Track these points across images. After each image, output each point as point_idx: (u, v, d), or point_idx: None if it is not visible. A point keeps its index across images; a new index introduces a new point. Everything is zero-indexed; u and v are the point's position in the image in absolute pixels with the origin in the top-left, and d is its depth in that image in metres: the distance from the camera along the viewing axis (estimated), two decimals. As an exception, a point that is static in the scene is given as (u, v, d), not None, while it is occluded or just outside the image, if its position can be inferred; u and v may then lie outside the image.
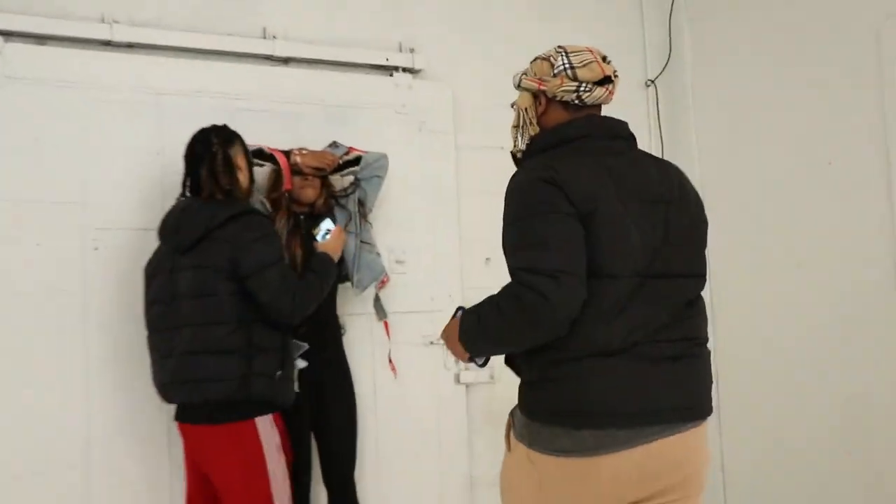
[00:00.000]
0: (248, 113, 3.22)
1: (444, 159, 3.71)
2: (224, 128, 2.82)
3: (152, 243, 2.84)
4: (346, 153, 3.32)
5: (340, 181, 3.40)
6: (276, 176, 3.19)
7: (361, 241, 3.25)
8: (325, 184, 3.26)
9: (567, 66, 1.81)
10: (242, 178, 2.79)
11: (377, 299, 3.46)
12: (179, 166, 2.83)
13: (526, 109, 1.87)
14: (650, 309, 1.69)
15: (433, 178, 3.67)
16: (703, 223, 1.84)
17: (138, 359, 2.86)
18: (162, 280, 2.67)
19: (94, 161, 3.07)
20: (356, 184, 3.33)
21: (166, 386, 2.62)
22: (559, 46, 1.87)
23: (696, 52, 4.05)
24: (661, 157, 2.15)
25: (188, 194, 2.77)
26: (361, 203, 3.31)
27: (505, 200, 1.73)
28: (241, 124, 2.96)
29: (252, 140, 3.01)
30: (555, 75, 1.82)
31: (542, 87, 1.83)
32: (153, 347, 2.67)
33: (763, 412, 3.70)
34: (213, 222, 2.60)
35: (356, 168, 3.33)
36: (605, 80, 1.82)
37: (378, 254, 3.36)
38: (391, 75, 3.65)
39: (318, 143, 3.36)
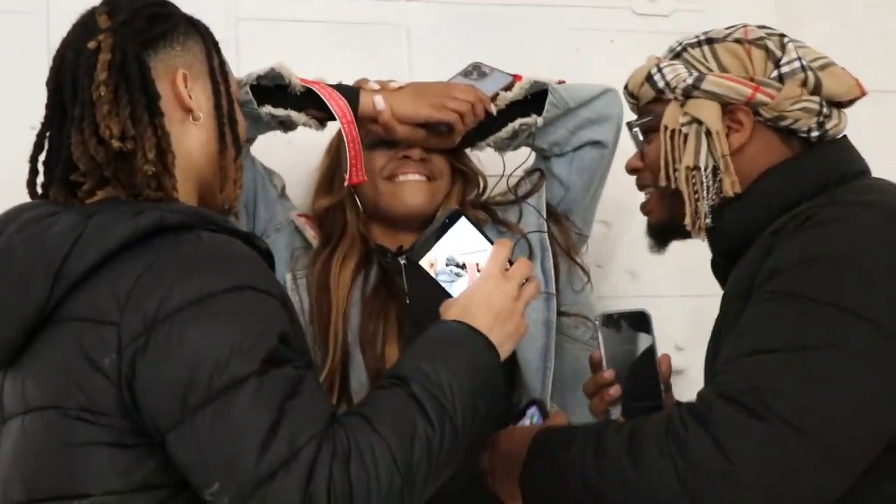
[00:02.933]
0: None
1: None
2: (138, 2, 1.25)
3: None
4: (508, 86, 1.70)
5: (497, 160, 1.79)
6: (336, 154, 1.68)
7: (560, 315, 1.68)
8: (460, 167, 1.73)
9: (805, 65, 1.30)
10: (193, 134, 1.24)
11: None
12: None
13: (712, 136, 1.29)
14: None
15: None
16: None
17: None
18: None
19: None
20: (541, 167, 1.77)
21: None
22: (764, 27, 1.36)
23: None
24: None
25: (39, 192, 1.31)
26: (557, 216, 1.73)
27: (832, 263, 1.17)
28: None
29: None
30: (781, 77, 1.29)
31: (759, 97, 1.29)
32: None
33: None
34: (75, 268, 1.11)
35: (532, 122, 1.68)
36: (854, 101, 1.35)
37: None
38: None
39: (438, 71, 1.79)
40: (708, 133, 1.30)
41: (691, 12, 2.22)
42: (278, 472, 0.98)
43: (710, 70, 1.32)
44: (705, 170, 1.30)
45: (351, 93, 1.59)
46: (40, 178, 1.24)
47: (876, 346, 1.09)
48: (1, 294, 1.13)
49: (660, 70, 1.35)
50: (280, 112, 1.57)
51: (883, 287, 1.12)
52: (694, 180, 1.31)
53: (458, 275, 1.32)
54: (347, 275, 1.61)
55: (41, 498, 1.09)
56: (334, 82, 1.62)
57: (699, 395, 1.15)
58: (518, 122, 1.67)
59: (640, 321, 1.43)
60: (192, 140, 1.21)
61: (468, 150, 1.73)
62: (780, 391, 1.07)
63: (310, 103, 1.59)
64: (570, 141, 1.72)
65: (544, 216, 1.71)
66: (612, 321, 1.43)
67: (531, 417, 1.43)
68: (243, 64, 1.67)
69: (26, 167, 1.28)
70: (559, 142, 1.71)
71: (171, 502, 1.07)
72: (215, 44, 1.28)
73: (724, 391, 1.10)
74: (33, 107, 1.32)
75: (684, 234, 1.36)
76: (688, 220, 1.32)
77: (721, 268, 1.38)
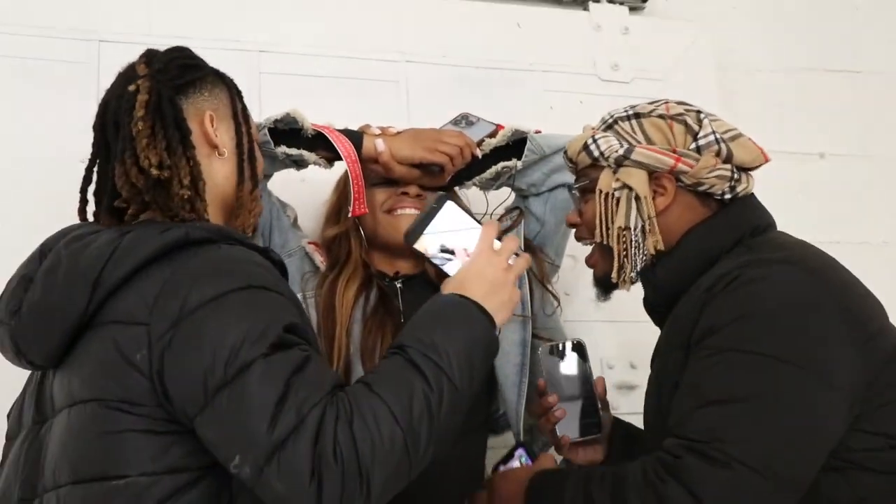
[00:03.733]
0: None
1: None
2: (172, 54, 1.30)
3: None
4: (492, 133, 1.72)
5: (482, 198, 1.81)
6: (342, 190, 1.72)
7: (534, 336, 1.68)
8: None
9: (718, 138, 1.31)
10: (218, 168, 1.27)
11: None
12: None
13: (641, 200, 1.30)
14: None
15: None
16: None
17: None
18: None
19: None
20: (520, 205, 1.78)
21: None
22: (682, 103, 1.36)
23: None
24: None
25: (90, 218, 1.31)
26: (532, 248, 1.74)
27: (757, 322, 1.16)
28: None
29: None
30: (699, 149, 1.29)
31: (681, 166, 1.29)
32: None
33: None
34: (111, 277, 1.12)
35: (512, 165, 1.72)
36: (758, 167, 1.36)
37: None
38: (585, 8, 2.30)
39: (432, 121, 1.80)
40: (637, 198, 1.31)
41: (647, 80, 2.21)
42: (288, 439, 0.98)
43: (639, 142, 1.33)
44: (634, 229, 1.31)
45: (355, 136, 1.61)
46: (91, 208, 1.28)
47: (807, 387, 1.11)
48: (49, 301, 1.13)
49: (595, 141, 1.35)
50: (293, 152, 1.58)
51: (807, 335, 1.14)
52: (624, 238, 1.32)
53: (448, 259, 1.27)
54: (350, 295, 1.62)
55: (86, 479, 1.09)
56: (342, 128, 1.63)
57: (665, 446, 1.14)
58: (500, 164, 1.69)
59: (577, 350, 1.46)
60: (217, 173, 1.25)
61: (457, 189, 1.73)
62: (735, 439, 1.09)
63: (320, 145, 1.59)
64: (546, 182, 1.72)
65: (522, 249, 1.60)
66: (555, 351, 1.46)
67: (520, 458, 1.42)
68: (265, 112, 1.68)
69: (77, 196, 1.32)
70: (536, 183, 1.73)
71: (196, 484, 1.07)
72: (238, 93, 1.32)
73: (687, 445, 1.11)
74: (85, 147, 1.34)
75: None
76: (614, 275, 1.34)
77: (655, 312, 1.40)
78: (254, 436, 0.98)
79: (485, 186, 1.74)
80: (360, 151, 1.59)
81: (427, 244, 1.27)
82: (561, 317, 1.80)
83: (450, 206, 1.28)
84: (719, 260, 1.27)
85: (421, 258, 1.31)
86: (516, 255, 1.25)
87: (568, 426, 1.43)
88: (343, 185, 1.68)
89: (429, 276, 1.62)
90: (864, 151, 2.37)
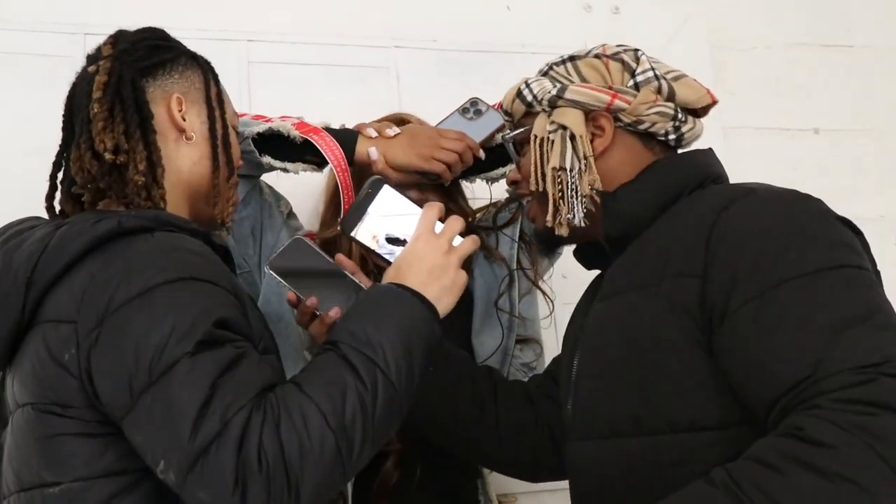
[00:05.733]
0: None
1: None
2: (142, 34, 1.23)
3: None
4: (500, 128, 1.58)
5: (485, 187, 1.72)
6: (334, 192, 1.63)
7: (517, 339, 1.63)
8: (451, 206, 1.61)
9: (658, 74, 1.23)
10: (186, 153, 1.19)
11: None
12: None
13: (576, 139, 1.21)
14: None
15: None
16: None
17: None
18: None
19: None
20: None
21: None
22: (622, 45, 1.29)
23: None
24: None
25: (55, 206, 1.23)
26: (528, 243, 1.66)
27: (764, 241, 1.05)
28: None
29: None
30: (636, 86, 1.22)
31: (617, 103, 1.22)
32: None
33: None
34: (43, 275, 1.05)
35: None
36: (707, 109, 1.27)
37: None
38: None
39: (424, 105, 1.76)
40: (572, 137, 1.23)
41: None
42: (211, 445, 0.91)
43: (573, 82, 1.26)
44: (571, 171, 1.22)
45: (349, 138, 1.50)
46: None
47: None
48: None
49: (528, 86, 1.28)
50: (278, 164, 1.51)
51: (852, 246, 1.06)
52: (559, 180, 1.23)
53: (393, 251, 1.19)
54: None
55: (27, 487, 1.04)
56: (332, 117, 1.57)
57: (822, 387, 0.92)
58: (509, 167, 1.57)
59: (296, 248, 1.27)
60: (184, 158, 1.17)
61: (468, 181, 1.67)
62: None
63: (309, 149, 1.50)
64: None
65: (517, 246, 1.65)
66: (280, 260, 1.26)
67: None
68: (255, 102, 1.70)
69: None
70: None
71: (134, 489, 1.01)
72: (215, 76, 1.24)
73: (865, 373, 0.92)
74: None
75: (568, 239, 1.27)
76: (549, 218, 1.24)
77: (590, 253, 1.30)
78: (176, 441, 0.92)
79: (492, 181, 1.69)
80: (352, 158, 1.50)
81: (366, 233, 1.20)
82: (553, 312, 1.70)
83: (387, 190, 1.21)
84: (678, 199, 1.19)
85: (365, 251, 1.22)
86: (462, 236, 1.17)
87: (328, 301, 1.24)
88: (335, 189, 1.61)
89: None
90: (860, 126, 2.36)
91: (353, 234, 1.19)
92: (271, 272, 1.23)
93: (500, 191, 1.70)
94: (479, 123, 1.61)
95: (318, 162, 1.51)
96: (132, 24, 1.85)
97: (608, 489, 1.11)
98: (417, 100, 1.87)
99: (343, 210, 1.48)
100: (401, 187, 1.26)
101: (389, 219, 1.20)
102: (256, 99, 1.67)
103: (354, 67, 2.01)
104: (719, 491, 0.92)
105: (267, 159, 1.48)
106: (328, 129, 1.51)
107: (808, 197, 1.11)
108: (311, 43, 2.00)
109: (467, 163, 1.54)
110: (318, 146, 1.47)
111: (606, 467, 1.14)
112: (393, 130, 1.51)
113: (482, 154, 1.57)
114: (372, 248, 1.20)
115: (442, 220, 1.18)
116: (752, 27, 2.39)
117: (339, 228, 1.22)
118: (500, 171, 1.62)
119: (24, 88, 1.82)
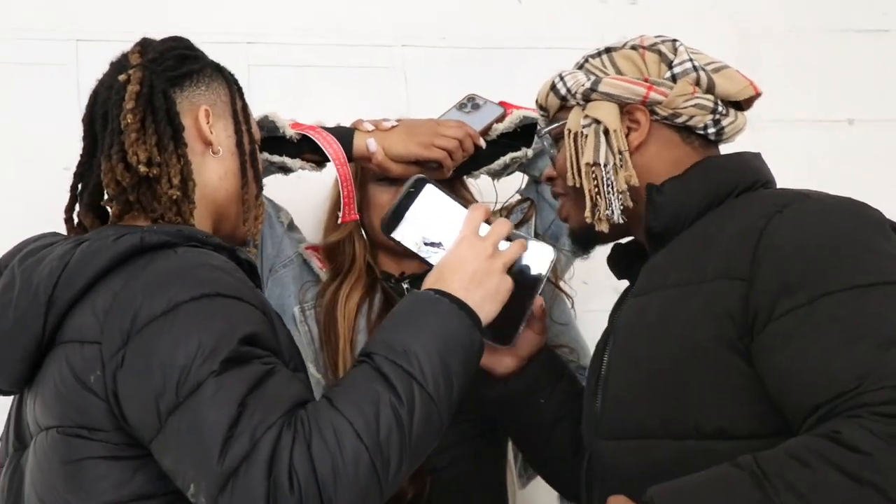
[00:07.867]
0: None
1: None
2: (168, 43, 1.22)
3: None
4: (500, 118, 1.63)
5: (492, 187, 1.72)
6: (337, 193, 1.61)
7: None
8: (462, 198, 1.54)
9: (696, 66, 1.21)
10: (213, 167, 1.19)
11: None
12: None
13: (610, 134, 1.20)
14: None
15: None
16: None
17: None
18: None
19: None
20: (531, 195, 1.71)
21: None
22: (661, 36, 1.27)
23: None
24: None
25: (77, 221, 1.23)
26: (542, 239, 1.58)
27: (816, 250, 1.05)
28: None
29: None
30: (674, 77, 1.20)
31: (653, 95, 1.20)
32: None
33: None
34: (64, 295, 1.05)
35: (521, 155, 1.64)
36: (750, 101, 1.26)
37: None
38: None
39: (433, 107, 1.72)
40: (606, 131, 1.23)
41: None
42: (241, 467, 0.90)
43: (608, 75, 1.25)
44: (605, 166, 1.21)
45: (346, 134, 1.52)
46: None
47: None
48: (5, 324, 1.07)
49: (562, 79, 1.28)
50: (276, 159, 1.51)
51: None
52: (594, 175, 1.23)
53: (435, 252, 1.17)
54: (353, 305, 1.56)
55: None
56: (337, 121, 1.56)
57: (866, 399, 0.93)
58: (509, 156, 1.61)
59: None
60: (210, 172, 1.16)
61: (466, 178, 1.67)
62: None
63: (306, 147, 1.51)
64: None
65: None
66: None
67: None
68: (256, 106, 1.64)
69: (61, 206, 1.24)
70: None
71: None
72: (239, 89, 1.23)
73: None
74: (65, 150, 1.31)
75: (604, 237, 1.27)
76: (587, 214, 1.23)
77: (625, 263, 1.29)
78: (205, 464, 0.91)
79: (495, 175, 1.68)
80: (351, 152, 1.50)
81: (407, 234, 1.17)
82: (576, 318, 1.72)
83: (430, 189, 1.18)
84: (725, 200, 1.18)
85: (406, 253, 1.19)
86: (509, 240, 1.14)
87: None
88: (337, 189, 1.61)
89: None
90: (896, 115, 2.33)
91: (393, 234, 1.17)
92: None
93: (505, 192, 1.70)
94: (477, 115, 1.63)
95: (318, 160, 1.52)
96: (126, 28, 1.85)
97: (631, 491, 1.07)
98: (426, 101, 1.83)
99: (342, 205, 1.48)
100: (444, 186, 1.23)
101: (432, 219, 1.17)
102: (257, 104, 1.59)
103: (359, 68, 1.99)
104: (745, 474, 0.94)
105: (264, 155, 1.47)
106: (323, 128, 1.52)
107: (864, 206, 1.11)
108: (314, 44, 1.98)
109: (468, 150, 1.54)
110: (316, 141, 1.48)
111: (631, 468, 1.13)
112: (390, 122, 1.53)
113: (482, 142, 1.57)
114: (413, 250, 1.17)
115: (488, 221, 1.15)
116: (781, 13, 2.33)
117: (378, 228, 1.19)
118: (501, 161, 1.61)
119: (15, 96, 1.83)
